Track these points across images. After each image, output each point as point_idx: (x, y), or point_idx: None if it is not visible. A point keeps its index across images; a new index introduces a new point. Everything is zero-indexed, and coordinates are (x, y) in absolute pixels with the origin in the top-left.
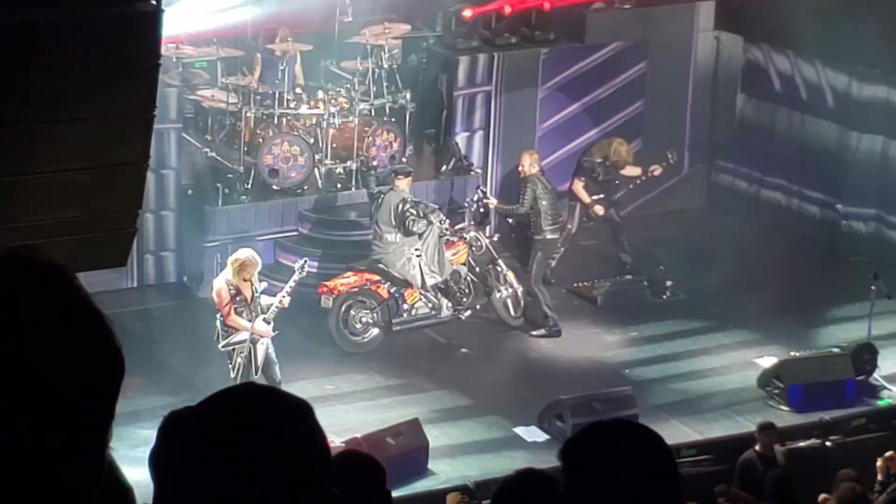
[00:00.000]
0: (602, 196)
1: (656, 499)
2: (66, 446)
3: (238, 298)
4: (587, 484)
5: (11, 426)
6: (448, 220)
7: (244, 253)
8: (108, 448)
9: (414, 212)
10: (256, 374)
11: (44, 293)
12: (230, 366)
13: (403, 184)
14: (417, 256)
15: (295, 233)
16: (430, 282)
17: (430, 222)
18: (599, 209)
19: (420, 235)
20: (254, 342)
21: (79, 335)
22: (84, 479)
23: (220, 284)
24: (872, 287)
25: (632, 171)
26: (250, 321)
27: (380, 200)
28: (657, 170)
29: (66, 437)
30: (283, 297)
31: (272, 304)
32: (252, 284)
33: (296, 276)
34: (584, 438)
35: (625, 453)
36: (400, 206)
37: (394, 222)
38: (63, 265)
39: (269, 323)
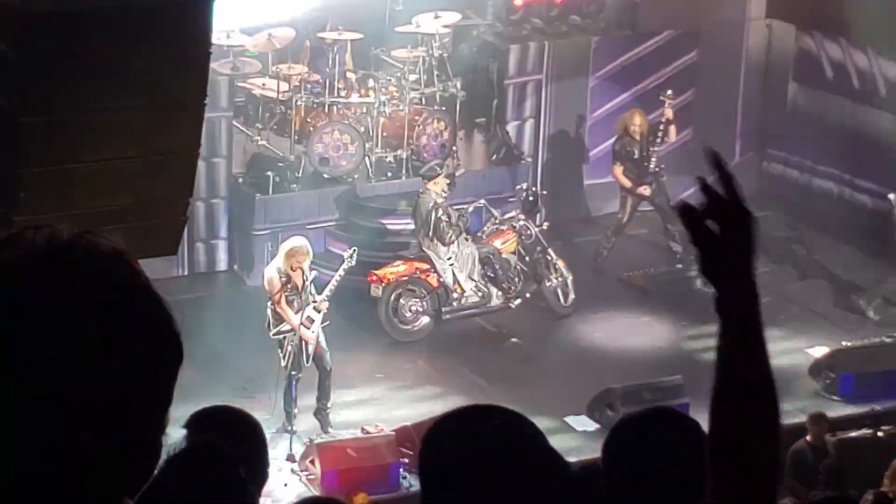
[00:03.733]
0: (642, 176)
1: (693, 485)
2: (125, 431)
3: (289, 286)
4: (626, 473)
5: (72, 409)
6: (490, 214)
7: (295, 241)
8: (164, 434)
9: (446, 220)
10: (308, 363)
11: (106, 278)
12: (280, 354)
13: (435, 187)
14: (451, 265)
15: (345, 221)
16: (466, 286)
17: (462, 231)
18: (645, 189)
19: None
20: (303, 328)
21: (139, 320)
22: (141, 463)
23: (272, 272)
24: None
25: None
26: (301, 309)
27: (416, 204)
28: (667, 112)
29: (124, 421)
30: (332, 284)
31: (323, 294)
32: (303, 273)
33: (346, 265)
34: (618, 430)
35: (659, 442)
36: (433, 214)
37: (427, 230)
38: (125, 251)
39: (319, 312)
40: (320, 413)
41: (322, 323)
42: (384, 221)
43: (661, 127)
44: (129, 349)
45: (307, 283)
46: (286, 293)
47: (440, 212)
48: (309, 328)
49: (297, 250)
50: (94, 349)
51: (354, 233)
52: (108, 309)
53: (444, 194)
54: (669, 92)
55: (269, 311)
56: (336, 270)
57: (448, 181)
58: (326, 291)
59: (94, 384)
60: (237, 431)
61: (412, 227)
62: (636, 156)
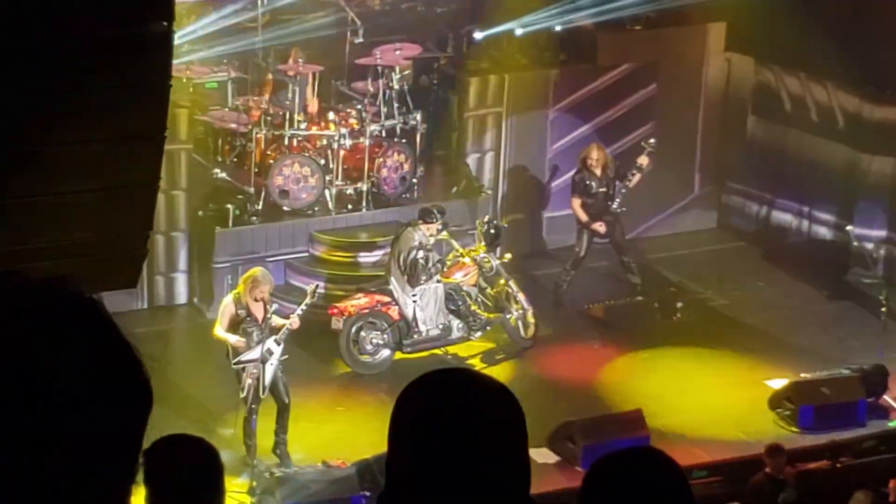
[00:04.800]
0: (601, 213)
1: None
2: (95, 477)
3: (248, 319)
4: None
5: (41, 456)
6: (451, 247)
7: (256, 271)
8: (135, 479)
9: (423, 263)
10: (263, 394)
11: (73, 326)
12: (240, 385)
13: (427, 231)
14: (414, 303)
15: (305, 254)
16: (422, 328)
17: (432, 277)
18: (600, 227)
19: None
20: (263, 361)
21: (108, 367)
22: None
23: (228, 300)
24: (883, 308)
25: (630, 178)
26: (261, 342)
27: (399, 234)
28: (642, 159)
29: (94, 467)
30: (294, 319)
31: (284, 326)
32: (265, 304)
33: (308, 300)
34: (601, 469)
35: (642, 484)
36: (413, 253)
37: (401, 266)
38: (93, 298)
39: (279, 344)
40: (278, 447)
41: (281, 356)
42: (345, 254)
43: (634, 172)
44: (97, 396)
45: (268, 315)
46: (245, 325)
47: (420, 254)
48: (267, 362)
49: (257, 278)
50: (60, 396)
51: (315, 265)
52: (74, 356)
53: (430, 239)
54: (652, 141)
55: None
56: (297, 303)
57: (440, 229)
58: (291, 323)
59: (61, 430)
60: (195, 458)
61: (374, 259)
62: (594, 190)
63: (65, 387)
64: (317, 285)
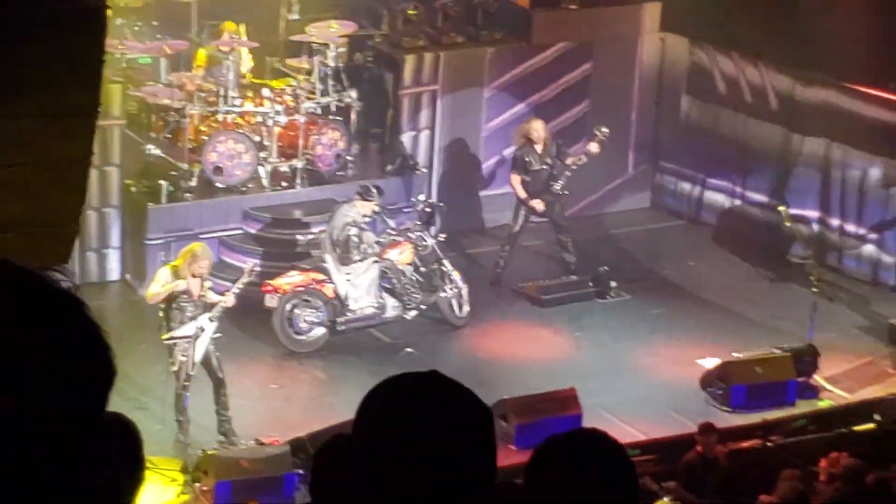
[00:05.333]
0: (542, 191)
1: None
2: (55, 457)
3: (184, 294)
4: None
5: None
6: (386, 225)
7: (197, 246)
8: (91, 458)
9: (356, 241)
10: (192, 371)
11: (42, 308)
12: (170, 360)
13: (361, 207)
14: (347, 281)
15: (239, 231)
16: (353, 306)
17: (366, 257)
18: (538, 204)
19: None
20: (195, 338)
21: (74, 347)
22: (71, 482)
23: (165, 272)
24: (814, 289)
25: (571, 158)
26: (194, 318)
27: (335, 211)
28: (593, 146)
29: (58, 443)
30: (230, 297)
31: (219, 303)
32: (201, 280)
33: (245, 279)
34: (546, 452)
35: (588, 467)
36: (346, 229)
37: (335, 242)
38: (71, 290)
39: (212, 321)
40: (222, 425)
41: (214, 334)
42: (279, 232)
43: (582, 157)
44: (65, 374)
45: (203, 291)
46: (180, 300)
47: (353, 230)
48: (199, 338)
49: (198, 253)
50: (31, 374)
51: (249, 243)
52: (45, 336)
53: (365, 218)
54: (605, 129)
55: (161, 314)
56: (230, 281)
57: (376, 209)
58: (226, 301)
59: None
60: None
61: (308, 237)
62: (534, 166)
63: (32, 365)
64: (254, 264)
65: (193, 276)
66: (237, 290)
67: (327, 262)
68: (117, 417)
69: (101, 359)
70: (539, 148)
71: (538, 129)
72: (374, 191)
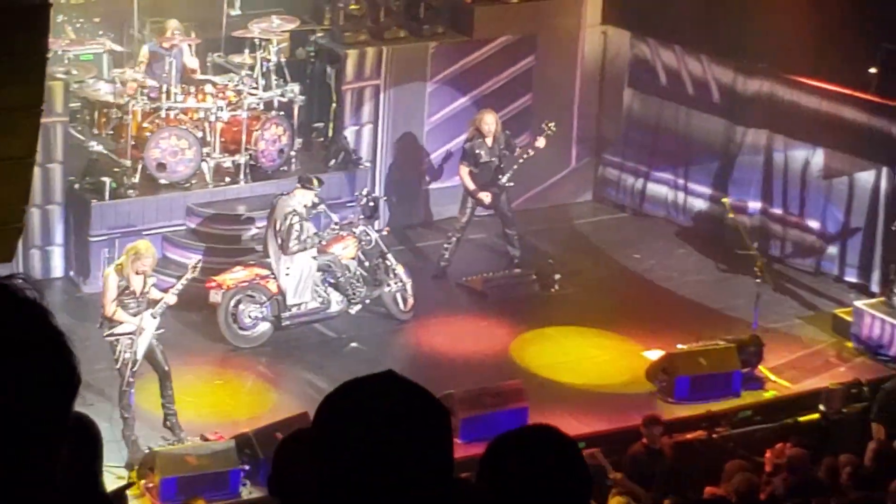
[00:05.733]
0: (489, 183)
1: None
2: (27, 454)
3: (127, 291)
4: (505, 493)
5: None
6: (329, 220)
7: (140, 243)
8: (59, 464)
9: (297, 230)
10: (136, 367)
11: (8, 316)
12: (113, 357)
13: (301, 195)
14: (287, 275)
15: (183, 227)
16: (290, 300)
17: (305, 249)
18: (485, 196)
19: (297, 254)
20: (137, 334)
21: (39, 352)
22: (35, 491)
23: (111, 273)
24: (757, 280)
25: (518, 150)
26: (137, 314)
27: (275, 203)
28: (540, 140)
29: (25, 446)
30: (171, 295)
31: (161, 300)
32: (145, 277)
33: (188, 276)
34: (499, 448)
35: (541, 462)
36: (289, 219)
37: (276, 232)
38: (37, 299)
39: (155, 318)
40: (168, 419)
41: (157, 330)
42: (223, 227)
43: (531, 151)
44: (30, 379)
45: (146, 289)
46: (123, 297)
47: (296, 219)
48: (142, 335)
49: (142, 253)
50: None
51: (193, 239)
52: (11, 343)
53: (306, 207)
54: (553, 124)
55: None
56: (174, 277)
57: (316, 200)
58: (168, 299)
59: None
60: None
61: (252, 232)
62: (483, 159)
63: None
64: (198, 260)
65: (136, 273)
66: (180, 287)
67: (271, 257)
68: (79, 418)
69: (65, 366)
70: (489, 141)
71: (489, 122)
72: (315, 180)
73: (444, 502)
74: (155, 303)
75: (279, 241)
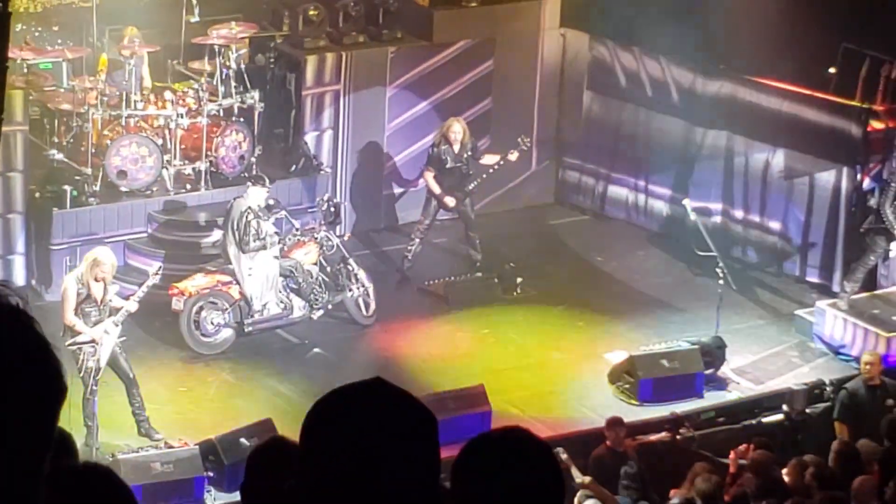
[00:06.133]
0: (454, 188)
1: None
2: (12, 464)
3: (88, 298)
4: (479, 496)
5: None
6: (291, 225)
7: (100, 251)
8: (44, 473)
9: (255, 228)
10: (98, 375)
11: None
12: (76, 367)
13: (254, 193)
14: (250, 275)
15: (144, 234)
16: (255, 304)
17: (265, 247)
18: (450, 200)
19: (257, 251)
20: (100, 343)
21: (27, 362)
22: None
23: (70, 281)
24: (720, 281)
25: (489, 158)
26: (98, 322)
27: (231, 205)
28: (513, 154)
29: (11, 455)
30: (132, 303)
31: (123, 308)
32: (105, 284)
33: (149, 282)
34: (472, 452)
35: (514, 466)
36: (245, 217)
37: (234, 232)
38: (21, 307)
39: (117, 326)
40: (142, 426)
41: (119, 338)
42: (184, 234)
43: (501, 161)
44: (13, 391)
45: (107, 296)
46: (84, 305)
47: (251, 216)
48: (104, 343)
49: (98, 259)
50: None
51: (154, 246)
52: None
53: (259, 208)
54: (528, 139)
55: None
56: (136, 284)
57: (268, 199)
58: (129, 307)
59: None
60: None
61: (213, 239)
62: (449, 164)
63: None
64: (159, 267)
65: (96, 280)
66: (141, 295)
67: (232, 262)
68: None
69: (53, 375)
70: (456, 147)
71: (457, 131)
72: (265, 178)
73: None
74: (116, 311)
75: (237, 239)
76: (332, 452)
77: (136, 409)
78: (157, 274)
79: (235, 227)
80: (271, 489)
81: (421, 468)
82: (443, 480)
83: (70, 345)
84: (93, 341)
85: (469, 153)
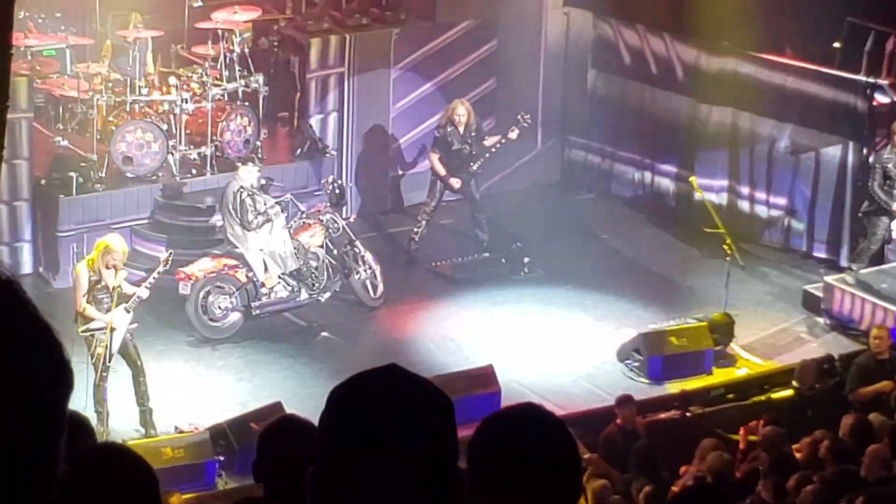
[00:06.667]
0: (459, 169)
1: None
2: (17, 461)
3: (99, 286)
4: (496, 473)
5: None
6: (297, 209)
7: (110, 237)
8: (59, 463)
9: (251, 203)
10: (110, 362)
11: None
12: (88, 353)
13: (244, 172)
14: (260, 251)
15: (151, 220)
16: (273, 273)
17: (269, 219)
18: (455, 182)
19: (260, 230)
20: (111, 329)
21: (28, 348)
22: (34, 493)
23: (81, 268)
24: (727, 258)
25: (490, 139)
26: (110, 309)
27: (223, 190)
28: (514, 132)
29: (16, 451)
30: (143, 289)
31: (134, 295)
32: (116, 272)
33: (160, 269)
34: (489, 428)
35: (531, 442)
36: (238, 196)
37: (232, 213)
38: (12, 279)
39: (129, 312)
40: (143, 416)
41: (130, 324)
42: (191, 219)
43: (504, 141)
44: (17, 378)
45: (117, 284)
46: (96, 292)
47: (245, 194)
48: (116, 329)
49: (110, 246)
50: None
51: (161, 231)
52: None
53: (252, 186)
54: (528, 116)
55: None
56: (144, 270)
57: (259, 175)
58: (141, 293)
59: None
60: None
61: (220, 223)
62: (455, 146)
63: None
64: (170, 254)
65: (107, 266)
66: (152, 281)
67: (238, 245)
68: (72, 414)
69: (60, 360)
70: (461, 129)
71: (461, 113)
72: (255, 157)
73: (450, 493)
74: (128, 297)
75: (239, 219)
76: (350, 439)
77: (140, 399)
78: (167, 261)
79: (232, 209)
80: (282, 466)
81: (439, 453)
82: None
83: (83, 332)
84: (105, 328)
85: (474, 134)
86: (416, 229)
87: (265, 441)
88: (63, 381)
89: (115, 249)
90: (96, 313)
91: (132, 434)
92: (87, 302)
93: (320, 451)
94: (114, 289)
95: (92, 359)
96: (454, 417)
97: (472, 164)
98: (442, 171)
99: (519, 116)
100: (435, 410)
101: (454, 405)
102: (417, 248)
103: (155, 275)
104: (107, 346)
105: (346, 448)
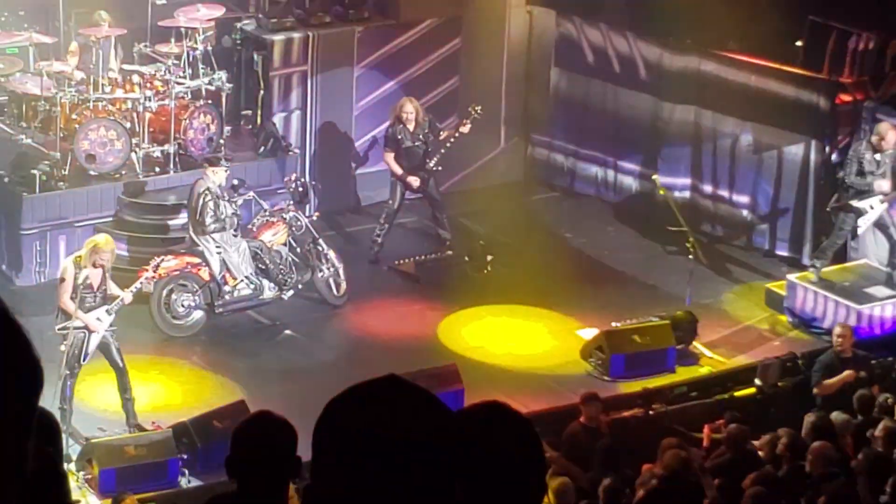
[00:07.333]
0: (416, 167)
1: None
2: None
3: (85, 284)
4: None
5: None
6: (260, 207)
7: (100, 237)
8: (26, 461)
9: (212, 208)
10: (84, 361)
11: None
12: (63, 350)
13: (212, 173)
14: (218, 252)
15: (114, 218)
16: (235, 274)
17: (224, 228)
18: (414, 181)
19: (216, 233)
20: (90, 331)
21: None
22: (7, 486)
23: (68, 265)
24: (689, 256)
25: (442, 135)
26: (92, 309)
27: (192, 186)
28: (466, 126)
29: None
30: (128, 294)
31: (118, 298)
32: (103, 271)
33: (148, 274)
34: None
35: (495, 442)
36: (202, 199)
37: (192, 212)
38: None
39: (110, 314)
40: (125, 406)
41: (110, 327)
42: (153, 217)
43: (457, 135)
44: None
45: (104, 283)
46: (80, 290)
47: (209, 197)
48: (96, 330)
49: (101, 247)
50: None
51: (124, 229)
52: None
53: (220, 188)
54: (479, 108)
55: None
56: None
57: (227, 175)
58: (125, 297)
59: None
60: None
61: (183, 221)
62: (406, 144)
63: None
64: (160, 259)
65: (95, 266)
66: (138, 286)
67: (199, 243)
68: (41, 413)
69: (30, 358)
70: (411, 126)
71: (408, 110)
72: (222, 157)
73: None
74: (112, 299)
75: (197, 219)
76: (348, 453)
77: (123, 392)
78: (157, 266)
79: (194, 207)
80: (257, 463)
81: (442, 464)
82: None
83: (60, 328)
84: (85, 328)
85: (427, 132)
86: (378, 231)
87: (240, 437)
88: (33, 380)
89: (104, 249)
90: (78, 312)
91: (95, 431)
92: (71, 299)
93: (316, 465)
94: (98, 289)
95: (65, 357)
96: (457, 428)
97: (427, 161)
98: (398, 170)
99: (470, 108)
100: (437, 420)
101: None
102: (379, 250)
103: (142, 280)
104: (82, 346)
105: (346, 460)
